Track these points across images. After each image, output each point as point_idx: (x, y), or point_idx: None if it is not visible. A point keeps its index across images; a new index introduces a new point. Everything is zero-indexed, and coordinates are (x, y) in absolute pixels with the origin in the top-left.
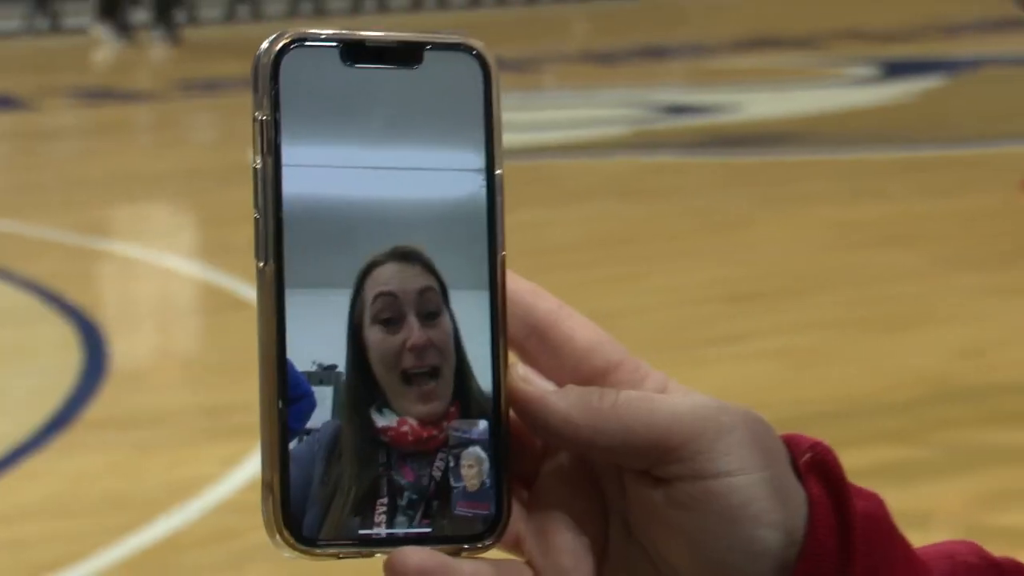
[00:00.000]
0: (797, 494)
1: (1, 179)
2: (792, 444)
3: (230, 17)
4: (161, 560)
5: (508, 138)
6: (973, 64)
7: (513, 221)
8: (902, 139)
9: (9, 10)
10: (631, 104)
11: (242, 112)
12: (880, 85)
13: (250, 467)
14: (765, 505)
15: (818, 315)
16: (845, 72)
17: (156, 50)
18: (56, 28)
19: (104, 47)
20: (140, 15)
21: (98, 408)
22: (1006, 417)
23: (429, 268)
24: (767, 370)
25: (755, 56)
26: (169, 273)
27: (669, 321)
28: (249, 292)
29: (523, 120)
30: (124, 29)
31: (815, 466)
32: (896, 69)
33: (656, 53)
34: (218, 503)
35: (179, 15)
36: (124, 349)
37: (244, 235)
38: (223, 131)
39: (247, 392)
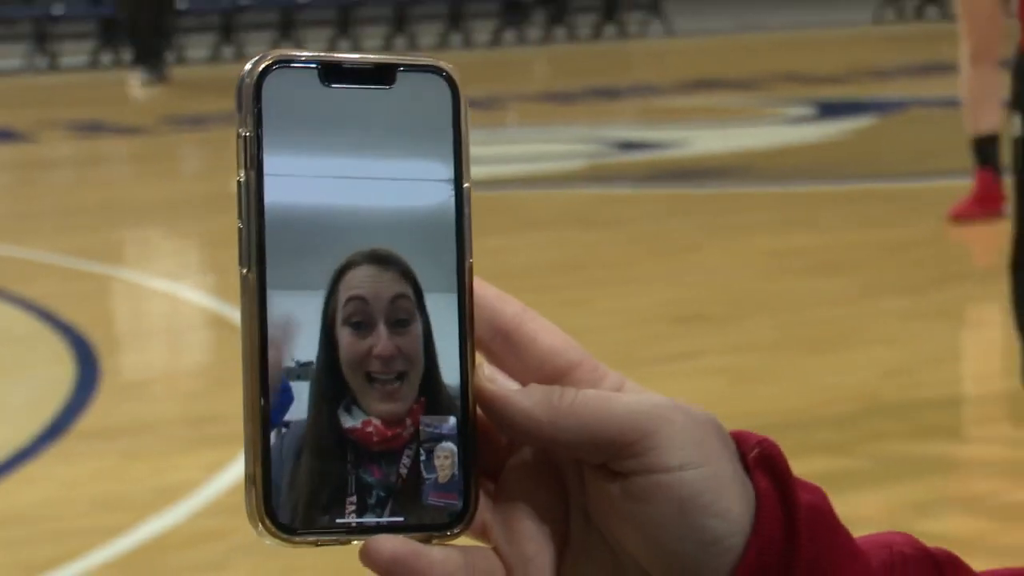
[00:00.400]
0: (745, 487)
1: (0, 206)
2: (740, 440)
3: (215, 57)
4: (148, 559)
5: (474, 171)
6: (900, 105)
7: (479, 246)
8: (835, 174)
9: (10, 49)
10: (586, 140)
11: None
12: (815, 124)
13: (231, 473)
14: (714, 497)
15: (757, 336)
16: (783, 111)
17: (142, 88)
18: (54, 67)
19: (137, 89)
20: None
21: (90, 418)
22: (930, 431)
23: (404, 272)
24: (710, 386)
25: (700, 96)
26: (156, 293)
27: (620, 340)
28: (230, 311)
29: (488, 154)
30: (157, 72)
31: (762, 460)
32: (830, 109)
33: (609, 93)
34: (201, 506)
35: (167, 55)
36: (114, 364)
37: (226, 258)
38: (207, 162)
39: (228, 403)
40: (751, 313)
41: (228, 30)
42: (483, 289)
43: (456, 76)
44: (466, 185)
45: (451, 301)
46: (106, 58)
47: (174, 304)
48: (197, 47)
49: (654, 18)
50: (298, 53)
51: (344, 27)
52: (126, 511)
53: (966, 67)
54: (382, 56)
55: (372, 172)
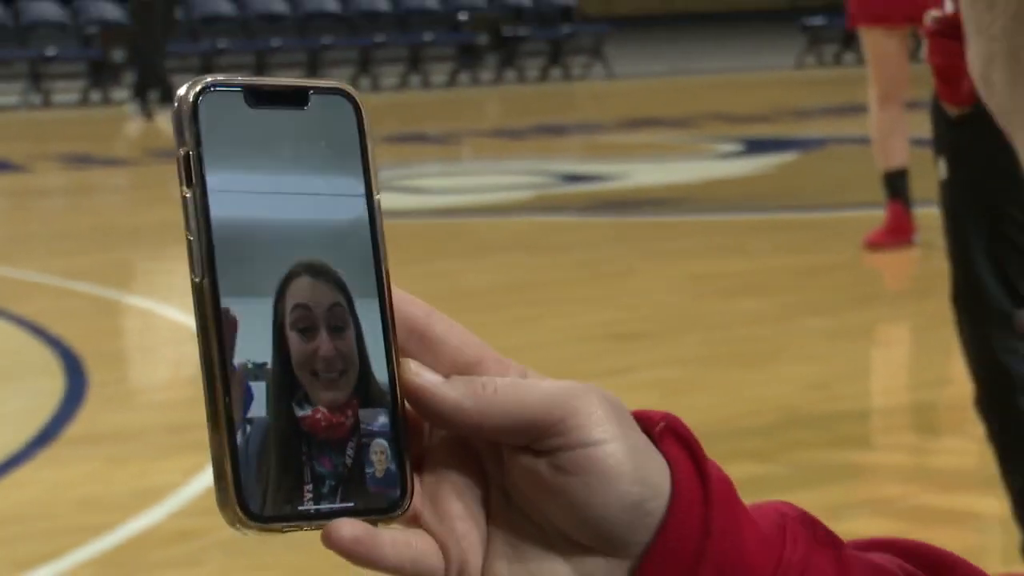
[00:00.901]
0: (656, 455)
1: None
2: (643, 418)
3: None
4: (130, 556)
5: (433, 200)
6: (820, 143)
7: (434, 269)
8: (760, 205)
9: (6, 87)
10: (534, 173)
11: None
12: (743, 159)
13: (208, 476)
14: (635, 465)
15: (688, 352)
16: (713, 148)
17: (133, 122)
18: (47, 103)
19: (134, 121)
20: (121, 92)
21: (77, 426)
22: (846, 440)
23: (337, 282)
24: (644, 398)
25: (638, 134)
26: (140, 311)
27: (563, 356)
28: None
29: (444, 185)
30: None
31: (670, 431)
32: (756, 146)
33: (555, 130)
34: (179, 507)
35: (152, 93)
36: (100, 376)
37: None
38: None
39: (205, 413)
40: (682, 331)
41: (209, 70)
42: (394, 293)
43: (357, 96)
44: (377, 197)
45: (374, 306)
46: (95, 96)
47: (156, 321)
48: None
49: (596, 62)
50: (224, 77)
51: (313, 69)
52: (110, 511)
53: (875, 108)
54: (294, 80)
55: (297, 188)
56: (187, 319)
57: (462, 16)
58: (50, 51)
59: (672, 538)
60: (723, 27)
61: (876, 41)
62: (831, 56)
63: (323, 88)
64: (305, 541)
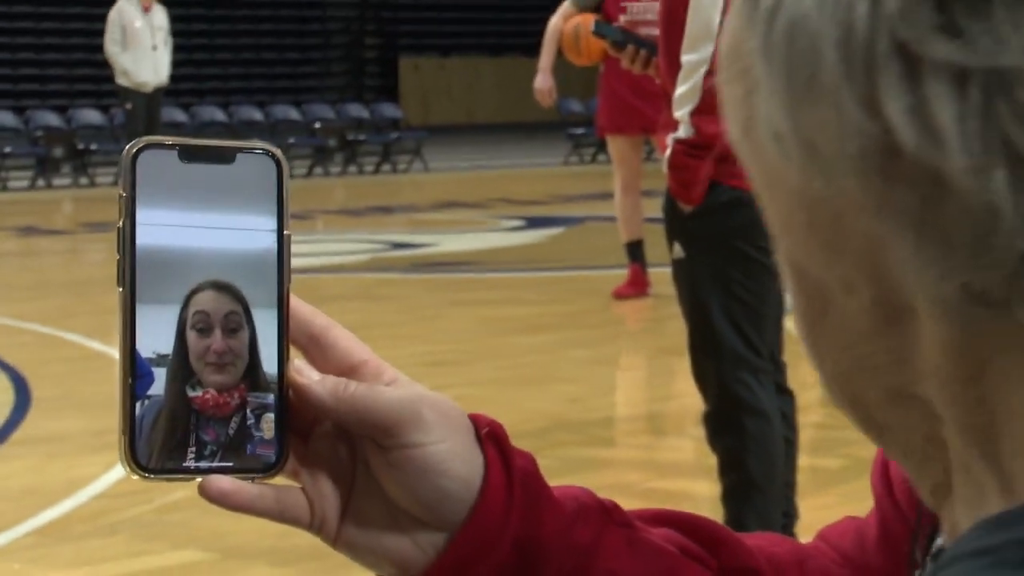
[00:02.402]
0: (477, 456)
1: None
2: (476, 420)
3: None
4: (61, 528)
5: (294, 261)
6: (580, 220)
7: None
8: (536, 266)
9: None
10: (370, 242)
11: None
12: (524, 232)
13: (121, 470)
14: (449, 465)
15: (482, 376)
16: (502, 223)
17: (68, 202)
18: (4, 188)
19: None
20: (61, 180)
21: (21, 431)
22: (596, 440)
23: (236, 295)
24: None
25: (447, 213)
26: (72, 343)
27: None
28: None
29: (302, 250)
30: None
31: (491, 437)
32: (534, 222)
33: (385, 210)
34: (99, 492)
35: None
36: (40, 393)
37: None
38: (110, 255)
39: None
40: (477, 360)
41: None
42: (301, 306)
43: (280, 156)
44: (286, 232)
45: (273, 315)
46: (41, 182)
47: (85, 351)
48: (105, 174)
49: (417, 159)
50: (164, 139)
51: None
52: (46, 495)
53: (619, 195)
54: (225, 142)
55: (217, 223)
56: (108, 349)
57: (317, 125)
58: (7, 149)
59: (478, 518)
60: (510, 134)
61: (619, 146)
62: (589, 156)
63: (250, 148)
64: (186, 517)
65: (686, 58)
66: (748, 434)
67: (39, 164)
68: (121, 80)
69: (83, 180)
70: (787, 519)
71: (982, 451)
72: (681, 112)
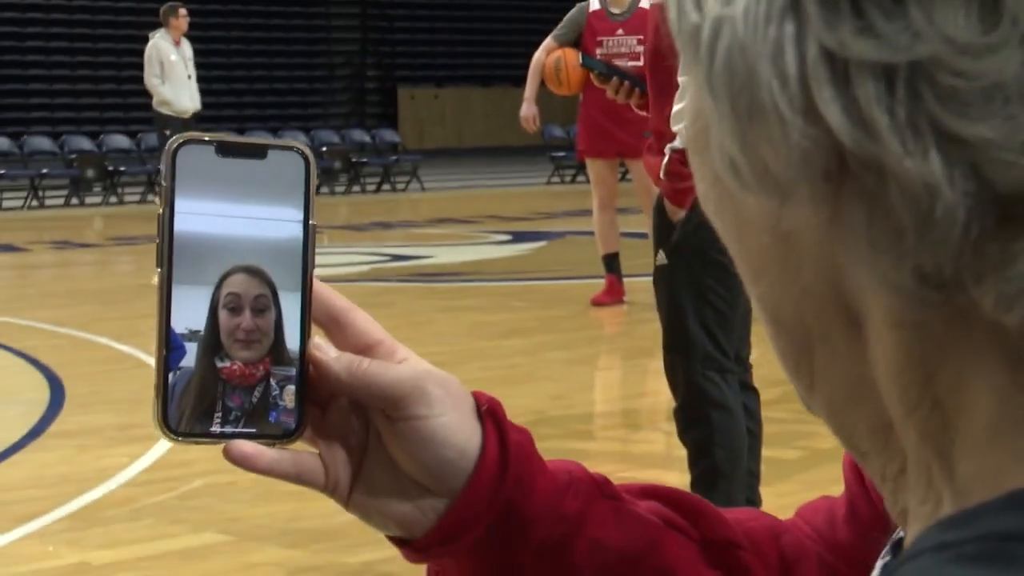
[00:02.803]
0: (476, 429)
1: (4, 292)
2: (477, 397)
3: (142, 200)
4: (91, 513)
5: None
6: (562, 234)
7: None
8: (521, 276)
9: (14, 195)
10: (371, 254)
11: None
12: (510, 245)
13: (146, 460)
14: (449, 436)
15: (470, 376)
16: (491, 237)
17: (99, 219)
18: (42, 206)
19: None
20: (93, 198)
21: (56, 425)
22: (576, 434)
23: (265, 279)
24: None
25: (441, 228)
26: (102, 346)
27: None
28: (149, 359)
29: None
30: None
31: (490, 412)
32: (519, 236)
33: (385, 226)
34: (126, 480)
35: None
36: (73, 391)
37: (148, 325)
38: (137, 266)
39: (145, 415)
40: (467, 361)
41: (151, 184)
42: (324, 289)
43: (309, 153)
44: (312, 223)
45: (297, 297)
46: (74, 201)
47: (114, 353)
48: (132, 193)
49: (414, 179)
50: (203, 135)
51: None
52: (77, 483)
53: (596, 213)
54: (258, 139)
55: (249, 213)
56: (135, 351)
57: (324, 148)
58: (44, 170)
59: (474, 486)
60: (498, 157)
61: (596, 168)
62: (570, 177)
63: (281, 145)
64: (205, 503)
65: (682, 79)
66: (714, 427)
67: (73, 184)
68: (162, 109)
69: (112, 199)
70: (751, 505)
71: (939, 454)
72: (678, 125)
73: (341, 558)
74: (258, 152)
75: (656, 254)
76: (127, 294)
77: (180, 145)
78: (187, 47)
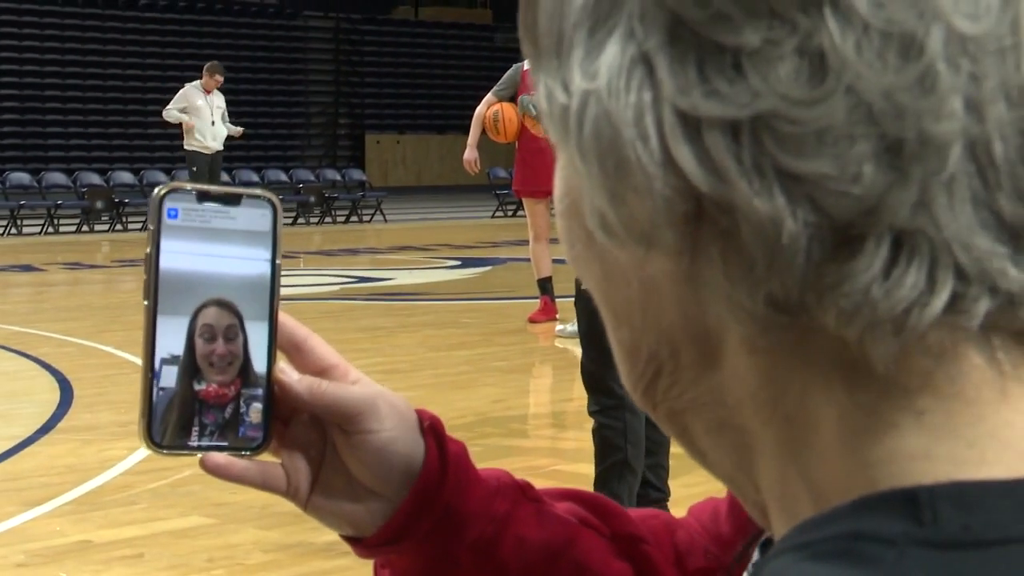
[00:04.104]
0: (419, 443)
1: (23, 306)
2: (420, 414)
3: (143, 228)
4: (95, 497)
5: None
6: (504, 261)
7: None
8: (469, 295)
9: (33, 223)
10: (340, 276)
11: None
12: (460, 269)
13: (142, 453)
14: (397, 448)
15: (425, 381)
16: (444, 262)
17: (106, 244)
18: (57, 232)
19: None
20: (101, 226)
21: (64, 422)
22: (514, 432)
23: (234, 311)
24: None
25: (401, 254)
26: (106, 353)
27: None
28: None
29: (285, 282)
30: None
31: (431, 428)
32: (468, 262)
33: (353, 252)
34: (124, 470)
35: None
36: (80, 392)
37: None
38: (141, 285)
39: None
40: (422, 368)
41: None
42: (287, 320)
43: (276, 201)
44: (278, 262)
45: (264, 326)
46: (85, 228)
47: (117, 360)
48: (135, 222)
49: (378, 212)
50: (185, 184)
51: None
52: (82, 472)
53: (533, 242)
54: (231, 188)
55: (224, 253)
56: (136, 359)
57: (300, 185)
58: (59, 201)
59: (416, 492)
60: (451, 194)
61: (531, 205)
62: (511, 211)
63: (252, 194)
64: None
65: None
66: (626, 426)
67: (84, 214)
68: (191, 145)
69: (118, 227)
70: (661, 495)
71: (795, 465)
72: None
73: (310, 538)
74: (233, 200)
75: (577, 278)
76: (130, 309)
77: (166, 194)
78: (217, 97)
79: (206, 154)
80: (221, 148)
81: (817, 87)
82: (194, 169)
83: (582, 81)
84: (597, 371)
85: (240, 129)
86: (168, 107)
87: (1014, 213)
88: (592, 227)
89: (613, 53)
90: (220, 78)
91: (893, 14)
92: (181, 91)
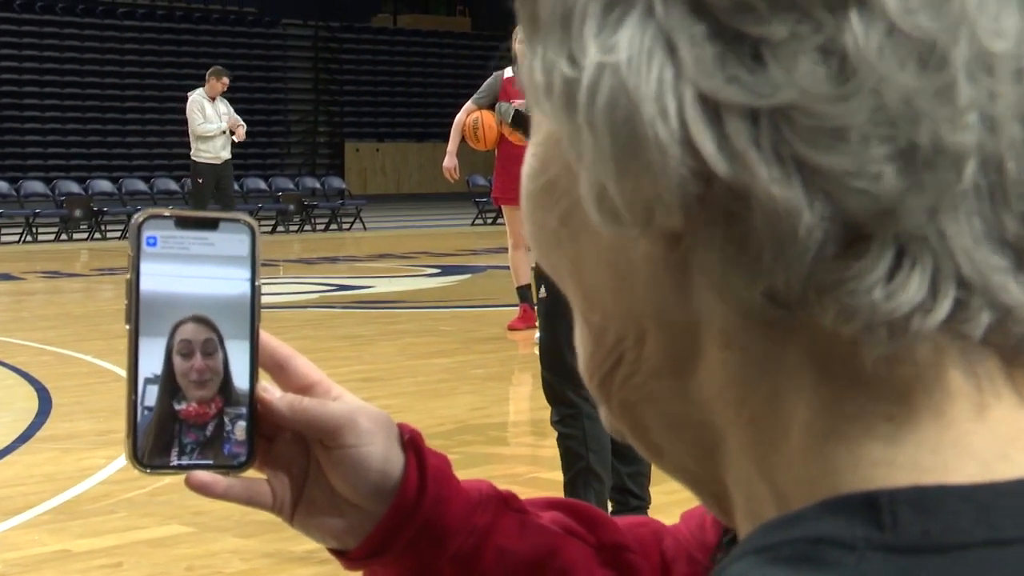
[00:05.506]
0: (399, 457)
1: (1, 315)
2: (401, 428)
3: (123, 236)
4: (73, 505)
5: (261, 299)
6: (484, 269)
7: None
8: (448, 303)
9: (11, 232)
10: (320, 284)
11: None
12: (440, 278)
13: (121, 461)
14: (378, 462)
15: (404, 389)
16: (424, 270)
17: (84, 253)
18: (35, 241)
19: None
20: (80, 234)
21: (43, 431)
22: (493, 440)
23: (212, 327)
24: None
25: (381, 262)
26: (85, 362)
27: None
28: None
29: (266, 290)
30: None
31: (411, 442)
32: (447, 270)
33: (332, 260)
34: (103, 479)
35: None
36: (59, 401)
37: (125, 345)
38: (117, 293)
39: (122, 422)
40: (402, 376)
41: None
42: (269, 339)
43: (254, 224)
44: (257, 284)
45: (244, 345)
46: (64, 237)
47: (96, 368)
48: (114, 231)
49: (357, 220)
50: (163, 211)
51: None
52: (61, 481)
53: (511, 250)
54: (209, 213)
55: (203, 275)
56: (114, 368)
57: (280, 193)
58: (38, 210)
59: (396, 506)
60: (430, 202)
61: (510, 212)
62: (491, 219)
63: (230, 218)
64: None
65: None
66: (588, 435)
67: (62, 222)
68: (200, 156)
69: (96, 235)
70: (640, 503)
71: (758, 467)
72: None
73: (288, 547)
74: (210, 224)
75: (538, 289)
76: (108, 318)
77: (145, 220)
78: (221, 104)
79: (216, 164)
80: (230, 156)
81: (842, 85)
82: (200, 181)
83: (597, 54)
84: (556, 382)
85: (242, 127)
86: (199, 123)
87: (1018, 233)
88: (586, 204)
89: (632, 29)
90: (227, 80)
91: (922, 21)
92: (191, 103)
